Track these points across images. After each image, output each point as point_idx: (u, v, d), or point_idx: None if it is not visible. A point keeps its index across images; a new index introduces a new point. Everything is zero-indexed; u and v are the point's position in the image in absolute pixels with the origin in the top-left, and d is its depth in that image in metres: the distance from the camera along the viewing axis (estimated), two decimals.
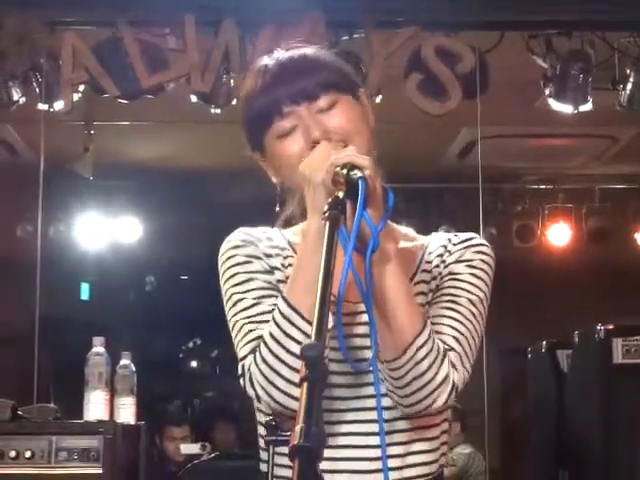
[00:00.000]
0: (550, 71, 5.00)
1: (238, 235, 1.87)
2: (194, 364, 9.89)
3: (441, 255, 1.86)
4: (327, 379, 1.28)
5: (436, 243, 1.89)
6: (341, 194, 1.57)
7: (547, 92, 5.05)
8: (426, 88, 4.77)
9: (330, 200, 1.56)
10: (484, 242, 1.88)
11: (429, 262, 1.86)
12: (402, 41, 4.75)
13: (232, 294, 1.80)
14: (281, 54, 1.83)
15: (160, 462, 6.41)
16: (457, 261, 1.84)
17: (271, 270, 1.82)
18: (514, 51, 4.91)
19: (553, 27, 4.95)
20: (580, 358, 4.98)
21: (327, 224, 1.51)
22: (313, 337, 1.33)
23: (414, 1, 4.78)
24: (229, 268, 1.82)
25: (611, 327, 4.66)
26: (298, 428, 1.20)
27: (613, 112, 5.16)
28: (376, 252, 1.59)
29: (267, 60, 1.83)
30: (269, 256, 1.84)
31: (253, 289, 1.79)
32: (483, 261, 1.84)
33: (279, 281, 1.81)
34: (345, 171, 1.59)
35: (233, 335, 1.78)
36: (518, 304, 7.68)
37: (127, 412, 3.95)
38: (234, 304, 1.79)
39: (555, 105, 5.07)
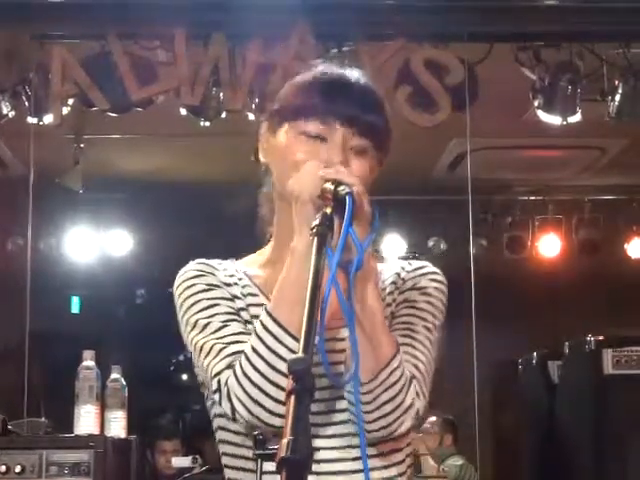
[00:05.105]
0: (539, 83, 5.01)
1: (194, 266, 1.85)
2: (185, 377, 9.85)
3: (395, 282, 1.86)
4: (314, 392, 1.29)
5: (389, 271, 1.89)
6: (329, 210, 1.57)
7: (536, 104, 5.06)
8: (415, 100, 4.78)
9: (318, 216, 1.55)
10: (437, 270, 1.89)
11: (382, 289, 1.84)
12: (391, 53, 4.76)
13: (197, 320, 1.77)
14: (348, 70, 1.81)
15: (151, 476, 6.39)
16: (412, 288, 1.84)
17: (232, 298, 1.81)
18: (503, 63, 4.92)
19: (542, 39, 4.96)
20: (571, 369, 4.99)
21: (315, 240, 1.51)
22: (301, 351, 1.34)
23: (403, 13, 4.79)
24: (190, 296, 1.80)
25: (601, 338, 4.69)
26: (285, 441, 1.20)
27: (602, 123, 5.17)
28: (360, 270, 1.58)
29: (327, 67, 1.81)
30: (228, 285, 1.83)
31: (219, 313, 1.77)
32: (437, 289, 1.85)
33: (240, 309, 1.80)
34: (333, 187, 1.59)
35: (201, 357, 1.74)
36: (508, 316, 7.68)
37: (118, 426, 3.94)
38: (201, 329, 1.76)
39: (544, 116, 5.08)
